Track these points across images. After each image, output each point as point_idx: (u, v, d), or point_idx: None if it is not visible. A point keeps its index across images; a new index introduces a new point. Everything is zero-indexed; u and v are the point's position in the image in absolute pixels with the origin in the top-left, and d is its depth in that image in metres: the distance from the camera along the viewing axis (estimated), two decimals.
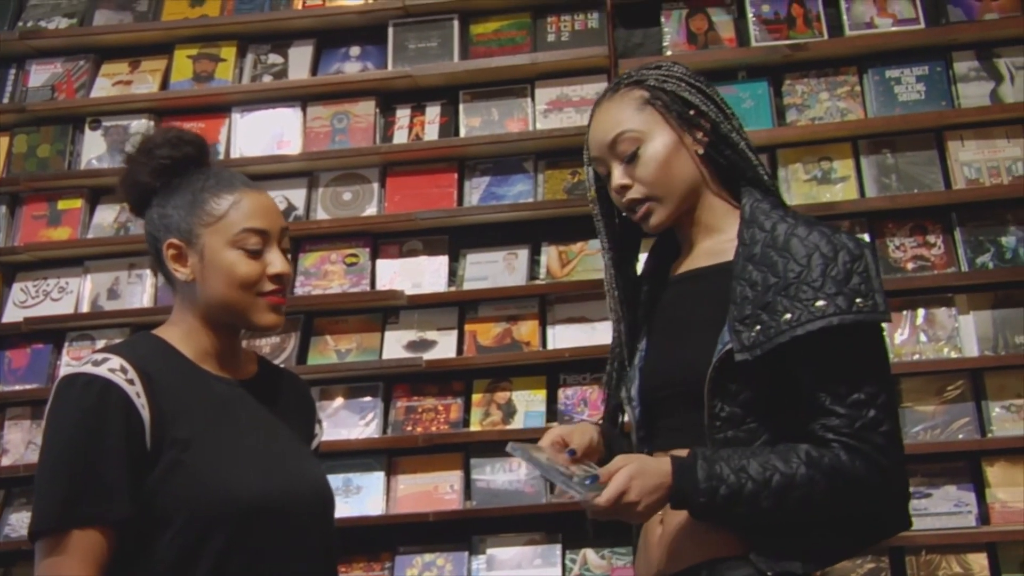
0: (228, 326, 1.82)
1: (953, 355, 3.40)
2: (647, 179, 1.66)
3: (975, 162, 3.49)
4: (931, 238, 3.48)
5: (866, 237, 3.47)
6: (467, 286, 3.62)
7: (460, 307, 3.64)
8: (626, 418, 1.77)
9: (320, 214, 3.74)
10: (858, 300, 1.45)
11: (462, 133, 3.72)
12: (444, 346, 3.60)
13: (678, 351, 1.63)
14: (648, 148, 1.65)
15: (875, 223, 3.55)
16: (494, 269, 3.61)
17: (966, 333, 3.41)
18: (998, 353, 3.39)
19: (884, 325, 1.56)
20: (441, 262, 3.68)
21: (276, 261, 1.79)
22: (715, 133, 1.67)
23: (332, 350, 3.62)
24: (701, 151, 1.66)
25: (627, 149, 1.67)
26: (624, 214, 1.75)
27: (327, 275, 3.66)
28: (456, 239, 3.70)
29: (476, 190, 3.70)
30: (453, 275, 3.65)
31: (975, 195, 3.47)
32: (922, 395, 3.37)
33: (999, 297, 3.44)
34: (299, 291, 3.66)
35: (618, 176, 1.69)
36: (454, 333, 3.59)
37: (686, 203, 1.68)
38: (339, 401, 3.59)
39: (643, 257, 1.89)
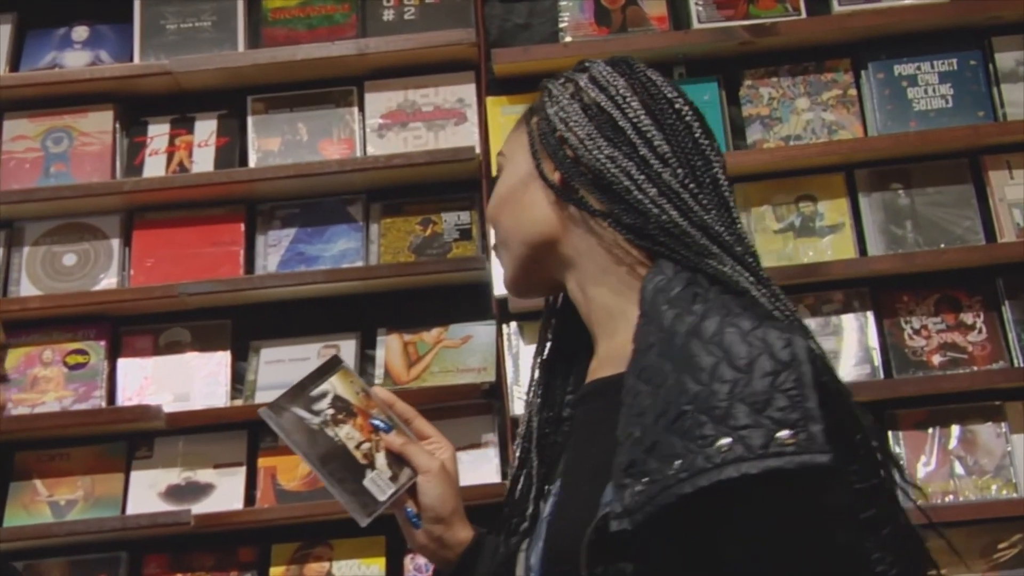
0: None
1: (1006, 494, 3.25)
2: (488, 212, 1.72)
3: None
4: (967, 317, 3.38)
5: (869, 317, 3.35)
6: (262, 398, 3.39)
7: (250, 430, 3.43)
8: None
9: (25, 288, 3.53)
10: (781, 434, 1.35)
11: (252, 161, 3.55)
12: (225, 492, 3.39)
13: (568, 509, 1.59)
14: (504, 174, 1.72)
15: (882, 295, 3.37)
16: (303, 371, 3.24)
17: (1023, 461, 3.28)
18: None
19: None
20: (220, 361, 3.49)
21: None
22: (575, 167, 1.64)
23: (44, 502, 3.40)
24: (556, 189, 1.65)
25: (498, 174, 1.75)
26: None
27: (36, 384, 3.48)
28: (244, 325, 3.53)
29: (275, 249, 3.54)
30: (240, 381, 3.50)
31: None
32: (960, 557, 3.08)
33: None
34: None
35: None
36: (241, 471, 3.41)
37: (534, 256, 1.68)
38: None
39: None
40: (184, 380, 3.45)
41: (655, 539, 1.42)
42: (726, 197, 1.64)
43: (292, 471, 3.36)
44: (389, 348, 3.47)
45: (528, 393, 1.78)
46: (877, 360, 3.19)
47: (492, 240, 1.75)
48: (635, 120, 1.62)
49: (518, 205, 1.67)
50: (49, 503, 3.38)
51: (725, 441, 1.36)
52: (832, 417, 1.39)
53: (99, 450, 3.42)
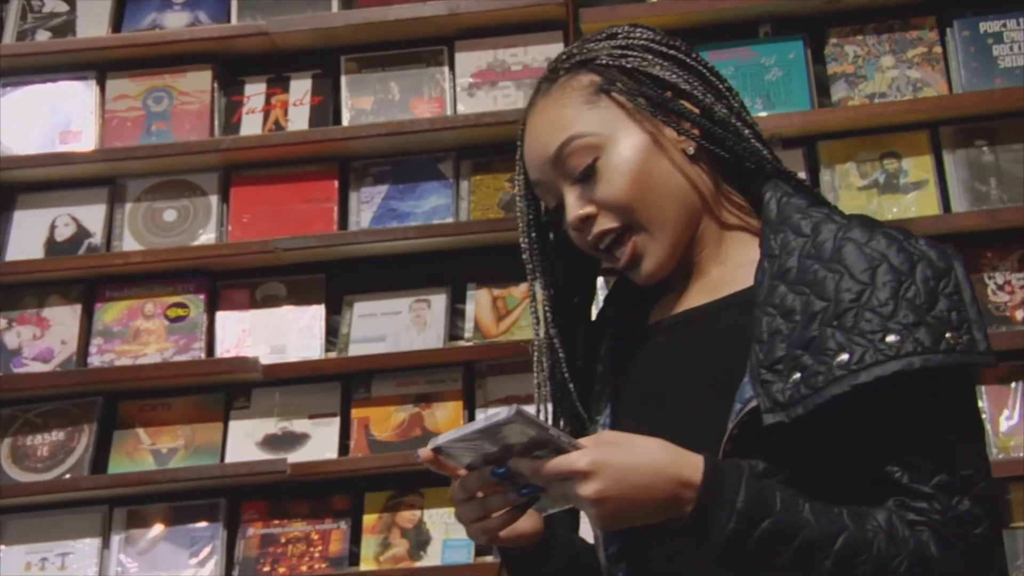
0: None
1: None
2: (619, 199, 1.60)
3: None
4: None
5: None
6: (354, 350, 3.47)
7: (344, 382, 3.49)
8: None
9: (128, 243, 3.57)
10: (948, 335, 1.41)
11: (345, 120, 3.58)
12: (320, 442, 3.44)
13: (664, 432, 1.51)
14: (612, 156, 1.61)
15: (966, 250, 3.15)
16: (395, 325, 3.48)
17: None
18: None
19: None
20: (315, 315, 3.53)
21: None
22: (709, 121, 1.62)
23: (147, 450, 3.45)
24: (691, 149, 1.62)
25: (579, 163, 1.61)
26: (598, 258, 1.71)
27: (139, 336, 3.52)
28: (337, 280, 3.56)
29: (367, 205, 3.56)
30: (333, 334, 3.52)
31: None
32: None
33: None
34: (94, 361, 3.49)
35: (573, 204, 1.62)
36: (335, 422, 3.45)
37: (688, 231, 1.64)
38: (158, 529, 3.41)
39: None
40: (280, 333, 3.50)
41: (793, 438, 1.45)
42: None
43: (384, 422, 3.42)
44: (479, 303, 3.49)
45: (548, 332, 1.73)
46: None
47: (604, 227, 1.61)
48: (705, 70, 1.67)
49: (659, 179, 1.61)
50: (151, 451, 3.44)
51: (894, 338, 1.41)
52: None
53: (199, 400, 3.48)
